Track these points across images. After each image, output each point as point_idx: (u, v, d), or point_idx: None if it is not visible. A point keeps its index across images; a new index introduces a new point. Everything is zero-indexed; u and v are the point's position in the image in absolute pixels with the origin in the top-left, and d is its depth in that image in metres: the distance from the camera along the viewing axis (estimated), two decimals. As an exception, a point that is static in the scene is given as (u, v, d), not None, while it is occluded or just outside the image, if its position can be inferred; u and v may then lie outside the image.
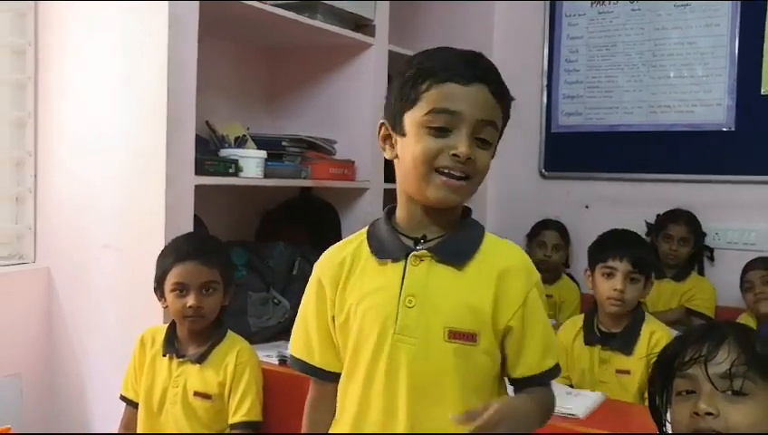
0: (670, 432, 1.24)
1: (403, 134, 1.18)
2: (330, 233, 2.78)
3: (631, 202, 3.32)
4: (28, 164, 2.35)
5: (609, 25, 3.42)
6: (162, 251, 1.95)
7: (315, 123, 2.85)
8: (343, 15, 2.67)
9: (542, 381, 1.23)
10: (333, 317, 1.24)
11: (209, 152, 2.35)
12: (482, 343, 1.17)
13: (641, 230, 3.14)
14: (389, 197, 2.88)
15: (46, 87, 2.33)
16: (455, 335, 1.16)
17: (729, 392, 1.11)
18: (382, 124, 1.23)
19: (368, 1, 2.76)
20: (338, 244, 1.30)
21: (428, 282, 1.18)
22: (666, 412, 1.23)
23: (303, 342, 1.29)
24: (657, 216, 3.15)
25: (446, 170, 1.13)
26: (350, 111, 2.82)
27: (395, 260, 1.20)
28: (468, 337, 1.16)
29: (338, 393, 1.26)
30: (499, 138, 1.20)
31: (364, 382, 1.20)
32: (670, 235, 3.06)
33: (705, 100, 3.21)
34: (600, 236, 2.32)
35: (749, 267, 2.80)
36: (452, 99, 1.13)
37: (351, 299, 1.21)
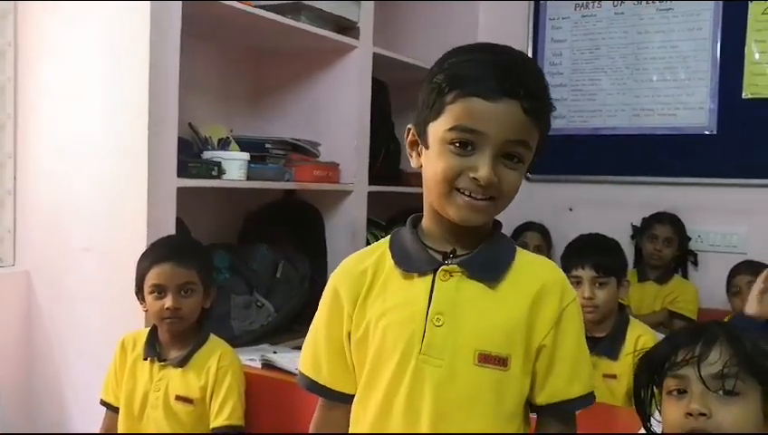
0: (656, 430, 1.24)
1: (427, 146, 1.09)
2: (313, 236, 2.77)
3: (615, 205, 3.34)
4: (8, 166, 2.32)
5: (592, 29, 3.44)
6: (141, 255, 1.93)
7: (299, 125, 2.84)
8: (327, 17, 2.66)
9: (566, 411, 1.13)
10: (349, 333, 1.14)
11: (192, 154, 2.33)
12: (513, 367, 1.08)
13: (626, 232, 3.17)
14: (374, 199, 2.88)
15: (26, 88, 2.30)
16: (485, 359, 1.07)
17: (720, 392, 1.12)
18: (410, 129, 1.14)
19: (352, 3, 2.75)
20: (356, 254, 1.20)
21: (458, 299, 1.09)
22: (650, 408, 1.24)
23: (312, 358, 1.19)
24: (644, 219, 3.16)
25: (467, 192, 1.05)
26: (334, 113, 2.81)
27: (421, 274, 1.11)
28: (499, 361, 1.07)
29: (350, 417, 1.17)
30: (537, 152, 1.09)
31: (382, 405, 1.10)
32: (655, 234, 3.09)
33: (688, 103, 3.24)
34: (567, 246, 2.33)
35: (735, 271, 2.82)
36: (477, 116, 1.03)
37: (372, 313, 1.12)
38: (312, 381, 1.19)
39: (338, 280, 1.17)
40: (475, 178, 1.03)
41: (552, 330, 1.09)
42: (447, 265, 1.10)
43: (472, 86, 1.03)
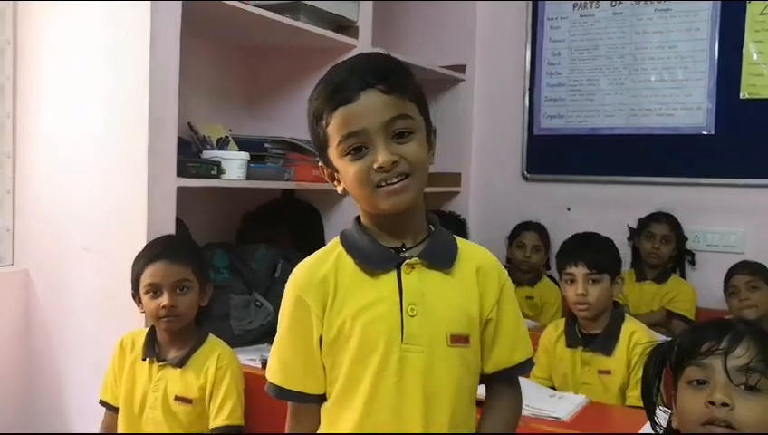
0: (661, 422, 1.25)
1: (337, 170, 1.20)
2: (312, 235, 2.77)
3: (612, 204, 3.34)
4: (6, 166, 2.33)
5: (591, 29, 3.44)
6: (135, 257, 1.93)
7: (298, 125, 2.81)
8: (326, 16, 2.67)
9: (511, 377, 1.26)
10: (320, 337, 1.19)
11: (191, 154, 2.33)
12: (473, 343, 1.21)
13: (624, 232, 3.17)
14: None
15: (25, 87, 2.31)
16: (455, 340, 1.18)
17: (743, 387, 1.12)
18: (321, 167, 1.25)
19: (350, 2, 2.75)
20: (309, 260, 1.25)
21: (424, 289, 1.18)
22: (657, 398, 1.25)
23: (280, 365, 1.24)
24: (640, 219, 3.17)
25: (382, 183, 1.14)
26: (332, 112, 2.80)
27: (386, 270, 1.19)
28: (464, 340, 1.19)
29: (323, 413, 1.23)
30: (426, 115, 1.21)
31: (368, 396, 1.16)
32: (652, 233, 3.09)
33: (686, 103, 3.24)
34: (561, 245, 2.36)
35: (733, 272, 2.81)
36: (349, 120, 1.13)
37: (345, 315, 1.17)
38: (282, 388, 1.23)
39: (300, 288, 1.21)
40: (379, 168, 1.13)
41: (496, 305, 1.22)
42: (409, 259, 1.19)
43: (333, 101, 1.15)
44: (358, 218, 1.25)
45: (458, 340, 1.18)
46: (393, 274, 1.18)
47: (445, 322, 1.18)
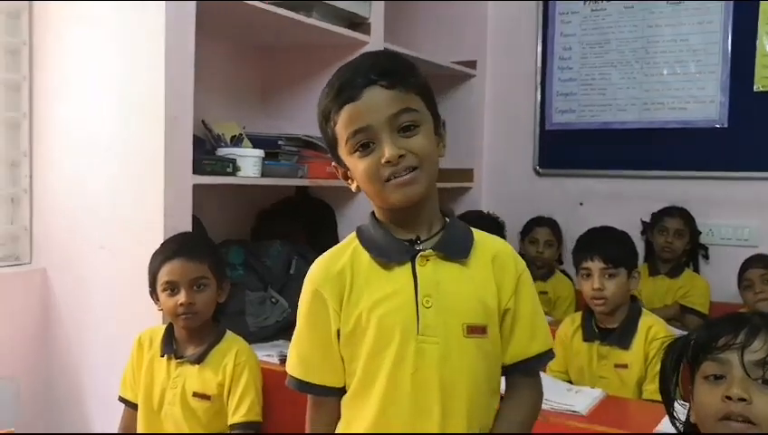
0: (680, 417, 1.25)
1: (348, 168, 1.22)
2: (326, 232, 2.78)
3: (625, 199, 3.34)
4: (23, 165, 2.34)
5: (602, 23, 3.44)
6: (152, 255, 1.94)
7: (311, 122, 2.78)
8: (339, 14, 2.67)
9: (530, 368, 1.26)
10: (338, 330, 1.22)
11: (205, 151, 2.34)
12: (491, 334, 1.21)
13: (637, 226, 3.17)
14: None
15: (41, 87, 2.32)
16: (471, 330, 1.19)
17: (760, 381, 1.12)
18: (334, 166, 1.27)
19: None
20: (326, 255, 1.27)
21: (439, 280, 1.19)
22: (675, 392, 1.24)
23: (299, 358, 1.26)
24: (653, 214, 3.16)
25: (391, 178, 1.15)
26: (345, 109, 2.81)
27: (401, 263, 1.20)
28: (481, 330, 1.20)
29: (343, 406, 1.25)
30: (434, 108, 1.22)
31: (385, 388, 1.18)
32: (666, 227, 3.09)
33: (699, 97, 3.23)
34: (577, 239, 2.35)
35: (747, 265, 2.81)
36: (355, 118, 1.16)
37: (361, 307, 1.19)
38: (302, 381, 1.25)
39: (317, 282, 1.23)
40: (387, 162, 1.14)
41: (513, 295, 1.23)
42: (423, 251, 1.20)
43: (339, 100, 1.17)
44: (373, 214, 1.27)
45: (475, 330, 1.19)
46: (408, 266, 1.20)
47: (461, 312, 1.19)
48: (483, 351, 1.20)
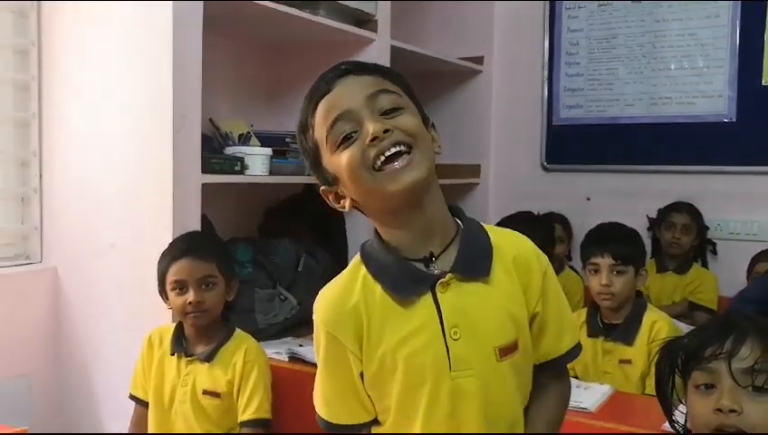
0: (678, 420, 1.23)
1: (337, 179, 1.11)
2: (334, 229, 2.79)
3: (633, 194, 3.33)
4: (33, 164, 2.35)
5: (609, 17, 3.43)
6: (160, 255, 1.95)
7: (318, 119, 2.84)
8: (345, 11, 2.67)
9: (558, 366, 1.20)
10: (361, 372, 1.13)
11: (213, 150, 2.35)
12: (521, 345, 1.13)
13: (643, 222, 3.16)
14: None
15: (50, 87, 2.33)
16: (504, 352, 1.10)
17: (750, 389, 1.10)
18: (323, 191, 1.16)
19: (369, -3, 2.76)
20: (334, 288, 1.16)
21: (464, 306, 1.10)
22: (672, 398, 1.23)
23: (323, 400, 1.18)
24: (659, 210, 3.16)
25: (379, 160, 1.04)
26: (352, 106, 2.81)
27: (419, 295, 1.10)
28: (512, 349, 1.12)
29: None
30: (418, 104, 1.13)
31: (423, 426, 1.10)
32: (673, 222, 3.08)
33: (706, 91, 3.22)
34: (586, 234, 2.35)
35: (757, 259, 2.81)
36: (331, 108, 1.07)
37: (384, 348, 1.10)
38: (330, 423, 1.18)
39: (329, 324, 1.13)
40: (372, 140, 1.03)
41: (541, 297, 1.15)
42: (442, 276, 1.09)
43: (313, 100, 1.10)
44: (377, 232, 1.15)
45: (507, 351, 1.10)
46: (428, 296, 1.09)
47: (491, 336, 1.10)
48: (517, 369, 1.13)
